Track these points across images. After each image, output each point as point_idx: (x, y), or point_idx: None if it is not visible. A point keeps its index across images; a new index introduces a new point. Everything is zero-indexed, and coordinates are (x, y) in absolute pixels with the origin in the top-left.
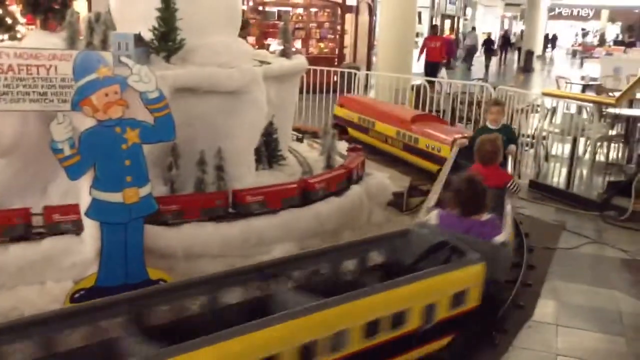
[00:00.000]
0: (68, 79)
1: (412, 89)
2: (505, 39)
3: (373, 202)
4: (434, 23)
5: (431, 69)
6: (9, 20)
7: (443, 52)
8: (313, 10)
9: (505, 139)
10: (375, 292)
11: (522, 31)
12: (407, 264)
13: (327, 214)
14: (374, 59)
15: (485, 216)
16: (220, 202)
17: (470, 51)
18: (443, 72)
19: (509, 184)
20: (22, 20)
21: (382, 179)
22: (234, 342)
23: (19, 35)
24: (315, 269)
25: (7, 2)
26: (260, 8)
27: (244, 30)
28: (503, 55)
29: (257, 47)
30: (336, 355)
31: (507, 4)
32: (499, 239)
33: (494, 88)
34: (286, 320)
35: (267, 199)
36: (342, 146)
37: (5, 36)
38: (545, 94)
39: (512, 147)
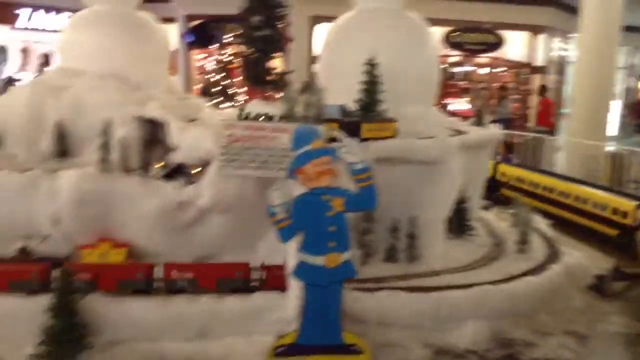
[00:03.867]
0: (287, 150)
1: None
2: None
3: (571, 285)
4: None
5: None
6: (230, 91)
7: (546, 116)
8: (498, 70)
9: None
10: None
11: None
12: None
13: (522, 293)
14: (561, 121)
15: None
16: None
17: None
18: None
19: None
20: (241, 90)
21: (581, 259)
22: None
23: (238, 104)
24: None
25: (230, 75)
26: (442, 66)
27: None
28: None
29: (436, 106)
30: None
31: None
32: None
33: None
34: None
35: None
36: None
37: (227, 104)
38: None
39: None
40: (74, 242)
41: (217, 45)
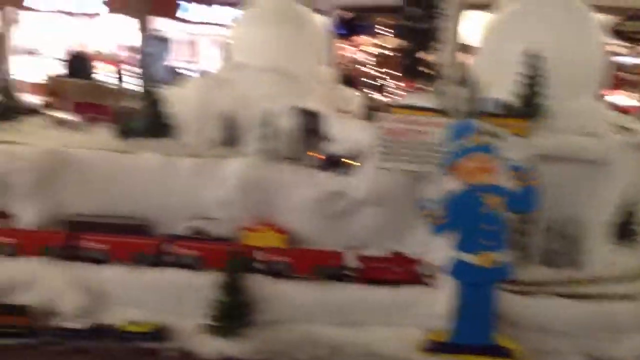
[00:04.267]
0: (440, 145)
1: None
2: None
3: None
4: None
5: None
6: (381, 83)
7: None
8: None
9: None
10: None
11: None
12: None
13: None
14: None
15: None
16: None
17: None
18: None
19: None
20: (393, 82)
21: None
22: None
23: (389, 96)
24: None
25: (382, 68)
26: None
27: None
28: None
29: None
30: None
31: None
32: None
33: None
34: None
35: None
36: None
37: (378, 96)
38: None
39: None
40: (237, 224)
41: (364, 36)
